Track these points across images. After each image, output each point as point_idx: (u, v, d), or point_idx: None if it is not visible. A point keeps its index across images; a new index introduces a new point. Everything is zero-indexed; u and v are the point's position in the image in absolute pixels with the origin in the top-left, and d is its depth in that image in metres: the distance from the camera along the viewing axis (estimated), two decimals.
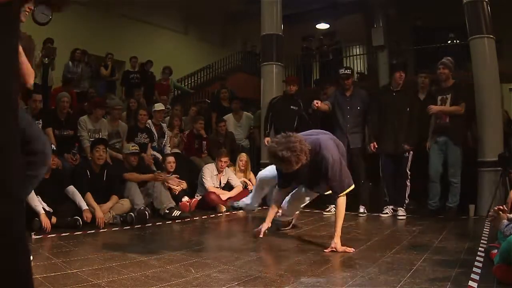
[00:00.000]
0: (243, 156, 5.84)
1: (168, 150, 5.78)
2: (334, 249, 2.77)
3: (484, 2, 4.78)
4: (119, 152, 5.13)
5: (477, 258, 2.50)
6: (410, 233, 3.56)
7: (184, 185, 4.99)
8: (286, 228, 3.69)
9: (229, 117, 6.78)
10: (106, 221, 3.89)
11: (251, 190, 4.71)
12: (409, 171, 4.57)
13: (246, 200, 4.05)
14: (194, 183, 5.47)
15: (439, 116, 4.52)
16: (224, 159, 5.32)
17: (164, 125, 5.98)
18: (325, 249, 2.81)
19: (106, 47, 8.42)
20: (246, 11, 9.81)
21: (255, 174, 4.91)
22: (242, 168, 5.78)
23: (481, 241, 3.04)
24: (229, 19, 12.27)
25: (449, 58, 4.59)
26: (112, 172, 4.33)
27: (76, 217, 3.71)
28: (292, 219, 3.73)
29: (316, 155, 2.82)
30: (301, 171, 2.81)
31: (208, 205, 5.07)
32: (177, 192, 4.82)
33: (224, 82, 8.11)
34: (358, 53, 11.14)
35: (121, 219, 4.05)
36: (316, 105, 4.64)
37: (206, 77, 11.15)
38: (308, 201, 3.58)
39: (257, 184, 3.83)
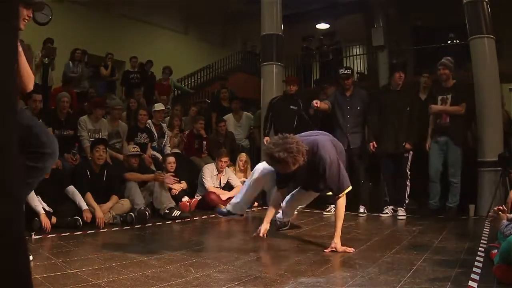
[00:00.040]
0: (243, 156, 5.84)
1: (168, 150, 5.79)
2: (334, 249, 2.77)
3: (484, 2, 4.78)
4: (119, 152, 5.14)
5: (477, 258, 2.50)
6: (410, 233, 3.56)
7: (183, 185, 5.00)
8: (285, 228, 3.69)
9: (229, 117, 6.78)
10: (106, 221, 3.89)
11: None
12: (409, 171, 4.58)
13: (236, 198, 3.52)
14: (194, 183, 5.47)
15: (439, 116, 4.53)
16: (224, 159, 5.32)
17: (164, 125, 5.98)
18: (325, 249, 2.81)
19: (106, 47, 8.42)
20: (246, 11, 9.81)
21: None
22: (242, 168, 5.78)
23: (481, 241, 3.04)
24: (229, 19, 12.27)
25: (448, 58, 4.59)
26: (112, 172, 4.33)
27: (76, 217, 3.72)
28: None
29: (314, 155, 2.82)
30: (298, 172, 2.81)
31: (208, 205, 5.07)
32: (177, 192, 4.83)
33: (224, 82, 8.10)
34: (358, 53, 11.14)
35: (121, 219, 4.06)
36: (316, 105, 4.63)
37: (206, 77, 11.14)
38: (309, 201, 3.57)
39: (252, 178, 3.39)
